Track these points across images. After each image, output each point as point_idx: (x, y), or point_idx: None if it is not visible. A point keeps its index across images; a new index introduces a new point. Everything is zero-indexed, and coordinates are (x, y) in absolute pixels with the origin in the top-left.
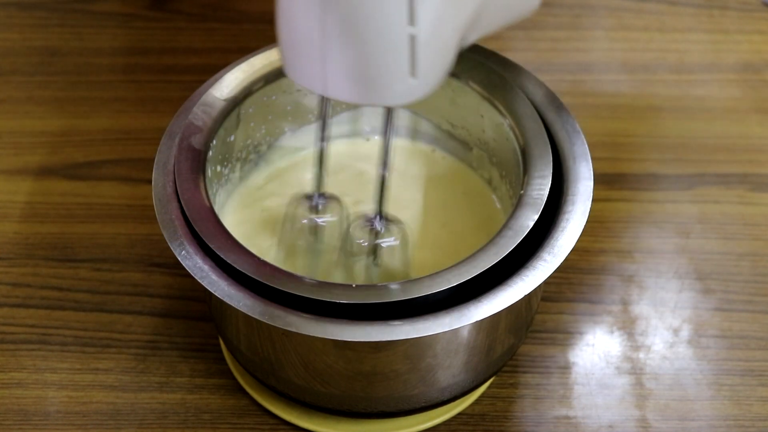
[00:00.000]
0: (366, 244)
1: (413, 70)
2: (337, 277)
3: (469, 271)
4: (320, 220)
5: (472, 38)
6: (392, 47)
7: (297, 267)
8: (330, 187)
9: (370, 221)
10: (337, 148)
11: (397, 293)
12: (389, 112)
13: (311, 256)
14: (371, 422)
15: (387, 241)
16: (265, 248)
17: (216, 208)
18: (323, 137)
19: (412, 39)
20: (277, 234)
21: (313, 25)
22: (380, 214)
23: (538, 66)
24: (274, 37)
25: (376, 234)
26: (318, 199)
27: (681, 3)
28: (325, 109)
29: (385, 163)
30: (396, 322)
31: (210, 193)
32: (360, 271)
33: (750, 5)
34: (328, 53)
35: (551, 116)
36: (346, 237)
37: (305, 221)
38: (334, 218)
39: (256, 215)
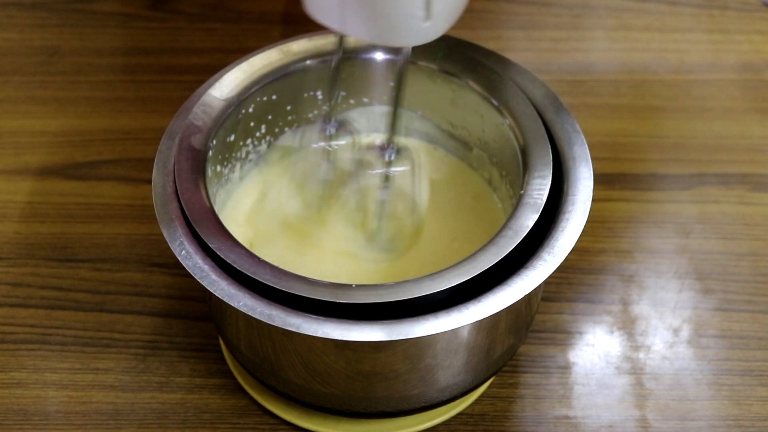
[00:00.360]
0: (375, 171)
1: (428, 12)
2: (349, 206)
3: (469, 270)
4: (332, 144)
5: None
6: None
7: (308, 197)
8: (334, 190)
9: (381, 149)
10: (335, 149)
11: (398, 293)
12: (407, 51)
13: (322, 185)
14: (371, 422)
15: (396, 168)
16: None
17: (216, 208)
18: (337, 63)
19: None
20: (290, 166)
21: None
22: (392, 142)
23: (538, 66)
24: (274, 38)
25: (388, 163)
26: (330, 124)
27: (681, 3)
28: (341, 48)
29: (397, 96)
30: (396, 322)
31: (210, 193)
32: (371, 199)
33: (750, 5)
34: None
35: (551, 116)
36: (357, 163)
37: (317, 145)
38: (345, 144)
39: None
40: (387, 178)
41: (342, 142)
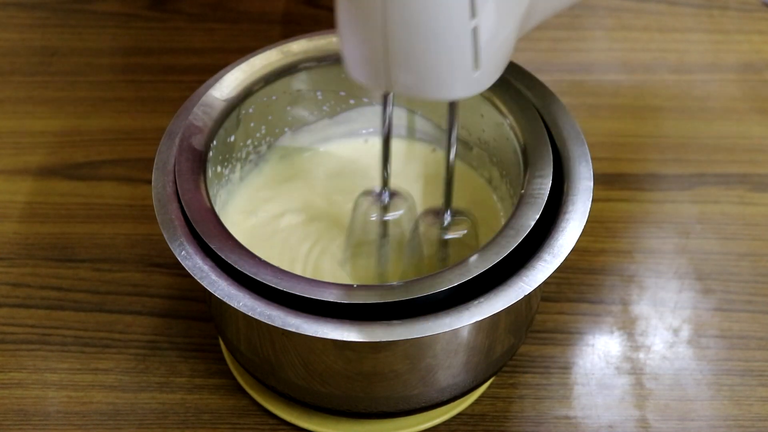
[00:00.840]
0: (434, 237)
1: (476, 63)
2: (407, 273)
3: (470, 271)
4: (388, 216)
5: (529, 26)
6: (455, 41)
7: (365, 265)
8: (338, 188)
9: (437, 215)
10: (334, 148)
11: (398, 293)
12: (453, 106)
13: (379, 253)
14: (371, 422)
15: (454, 234)
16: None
17: (217, 209)
18: (387, 134)
19: (474, 32)
20: (346, 232)
21: (375, 26)
22: (448, 208)
23: (538, 66)
24: (273, 37)
25: (444, 228)
26: (385, 195)
27: (681, 3)
28: (387, 104)
29: (449, 158)
30: (396, 323)
31: (210, 193)
32: (428, 266)
33: (750, 5)
34: (393, 52)
35: (551, 116)
36: (413, 232)
37: (374, 217)
38: (402, 214)
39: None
40: (446, 243)
41: (398, 213)
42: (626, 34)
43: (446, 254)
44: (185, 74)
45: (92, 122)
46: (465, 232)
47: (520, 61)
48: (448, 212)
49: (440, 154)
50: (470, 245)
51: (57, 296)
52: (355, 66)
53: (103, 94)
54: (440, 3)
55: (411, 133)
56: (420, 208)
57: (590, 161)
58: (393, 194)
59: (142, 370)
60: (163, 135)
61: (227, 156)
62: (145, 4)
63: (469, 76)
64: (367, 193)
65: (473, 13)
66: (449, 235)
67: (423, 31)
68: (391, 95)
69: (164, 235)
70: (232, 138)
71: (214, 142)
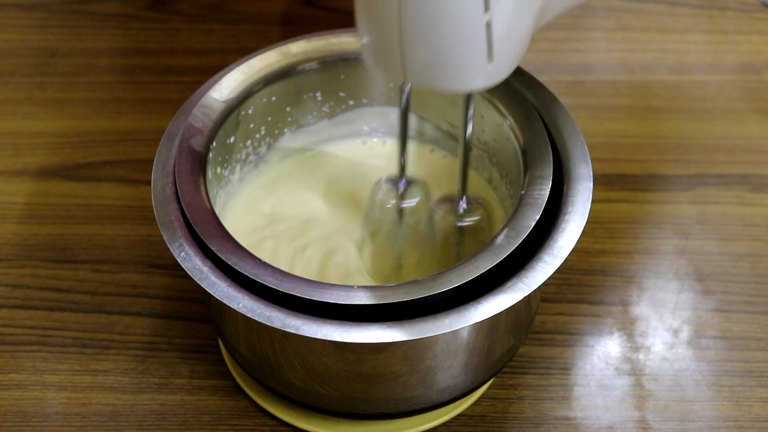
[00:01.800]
0: (449, 224)
1: (490, 56)
2: (423, 259)
3: (470, 272)
4: (404, 204)
5: (544, 21)
6: (469, 34)
7: (380, 251)
8: (337, 189)
9: (452, 203)
10: (332, 148)
11: (398, 294)
12: (468, 99)
13: (395, 237)
14: (371, 424)
15: (470, 221)
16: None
17: (216, 210)
18: (405, 124)
19: (488, 25)
20: (362, 217)
21: (391, 14)
22: (464, 195)
23: (538, 67)
24: (273, 38)
25: (460, 216)
26: (402, 183)
27: (680, 3)
28: (404, 93)
29: (465, 146)
30: (396, 324)
31: (210, 194)
32: (443, 252)
33: (749, 6)
34: (407, 42)
35: (551, 117)
36: (428, 219)
37: (390, 205)
38: (418, 202)
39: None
40: (462, 231)
41: (413, 201)
42: (626, 35)
43: (461, 240)
44: (185, 75)
45: (91, 123)
46: (478, 218)
47: (520, 62)
48: (463, 199)
49: (439, 154)
50: (484, 231)
51: (56, 297)
52: (371, 55)
53: (102, 95)
54: None
55: (410, 133)
56: (425, 207)
57: (590, 162)
58: (409, 182)
59: (141, 372)
60: (163, 136)
61: (227, 157)
62: (144, 5)
63: (483, 69)
64: (384, 180)
65: (487, 6)
66: (463, 222)
67: (437, 22)
68: (408, 85)
69: (164, 237)
70: (232, 139)
71: (214, 144)
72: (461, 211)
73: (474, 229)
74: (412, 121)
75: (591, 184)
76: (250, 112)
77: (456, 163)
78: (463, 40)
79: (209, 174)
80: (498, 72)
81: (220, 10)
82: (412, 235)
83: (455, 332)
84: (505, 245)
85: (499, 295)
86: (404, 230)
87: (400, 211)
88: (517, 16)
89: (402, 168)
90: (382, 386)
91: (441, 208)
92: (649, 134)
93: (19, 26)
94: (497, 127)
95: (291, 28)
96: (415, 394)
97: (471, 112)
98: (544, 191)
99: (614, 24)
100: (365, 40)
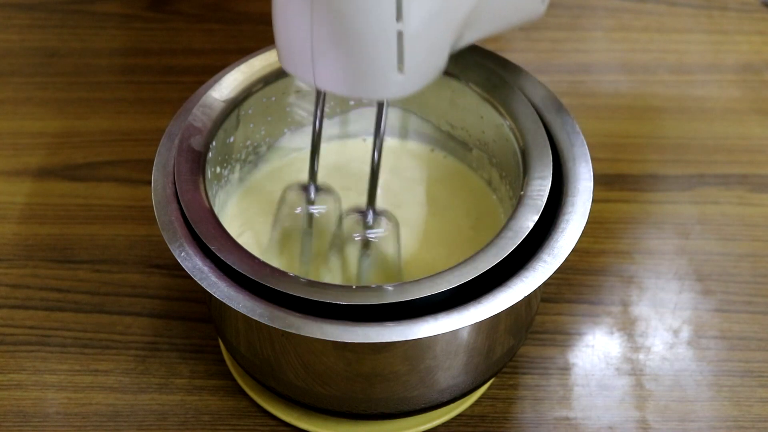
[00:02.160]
0: (357, 236)
1: (401, 66)
2: (331, 264)
3: (470, 272)
4: (314, 210)
5: (469, 39)
6: (379, 42)
7: (291, 251)
8: (336, 188)
9: (361, 214)
10: (331, 148)
11: (397, 295)
12: (381, 107)
13: (305, 241)
14: (371, 423)
15: (377, 233)
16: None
17: (216, 210)
18: (317, 127)
19: (400, 35)
20: (273, 217)
21: (303, 18)
22: (372, 207)
23: (538, 67)
24: (272, 38)
25: (367, 227)
26: (312, 189)
27: (680, 4)
28: (319, 100)
29: (375, 158)
30: (395, 324)
31: (210, 194)
32: (352, 262)
33: (749, 6)
34: (318, 46)
35: (551, 117)
36: (338, 228)
37: (299, 210)
38: (327, 209)
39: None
40: (368, 244)
41: (323, 207)
42: (626, 35)
43: (367, 253)
44: (185, 75)
45: (91, 123)
46: (383, 232)
47: (520, 62)
48: (371, 212)
49: (440, 154)
50: (391, 246)
51: (56, 297)
52: (284, 57)
53: (102, 95)
54: (365, 3)
55: (410, 134)
56: (425, 208)
57: (590, 162)
58: (320, 189)
59: (141, 372)
60: (163, 136)
61: (226, 157)
62: (144, 4)
63: (393, 79)
64: (293, 186)
65: (399, 15)
66: (370, 235)
67: (347, 28)
68: (322, 92)
69: (164, 237)
70: (232, 139)
71: (214, 143)
72: (370, 222)
73: (381, 241)
74: (413, 121)
75: (591, 185)
76: (250, 111)
77: (457, 164)
78: (374, 49)
79: (209, 174)
80: (410, 84)
81: (219, 10)
82: (318, 242)
83: (455, 332)
84: (504, 246)
85: (499, 295)
86: (312, 236)
87: (310, 217)
88: (432, 29)
89: (312, 175)
90: (382, 386)
91: (350, 219)
92: (649, 134)
93: (19, 26)
94: (497, 128)
95: None
96: (415, 394)
97: (384, 121)
98: (544, 192)
99: (614, 24)
100: (279, 39)
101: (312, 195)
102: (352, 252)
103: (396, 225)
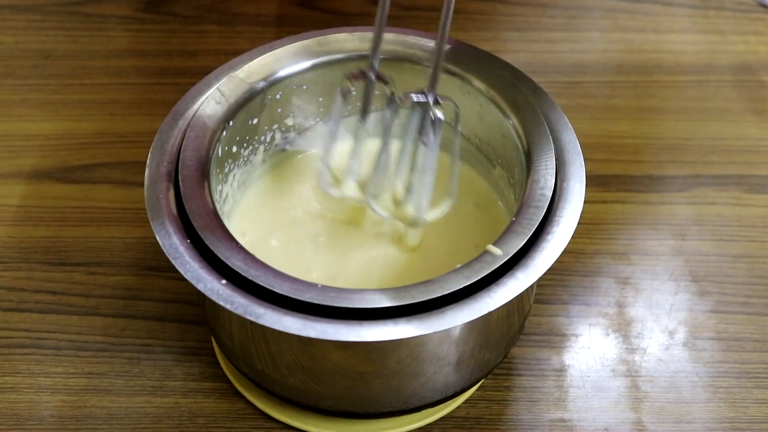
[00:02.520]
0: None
1: None
2: (382, 157)
3: (436, 290)
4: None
5: None
6: None
7: (341, 151)
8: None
9: (421, 96)
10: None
11: (399, 295)
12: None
13: (356, 139)
14: (366, 422)
15: (437, 115)
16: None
17: (229, 189)
18: (383, 11)
19: None
20: (330, 114)
21: None
22: (434, 92)
23: (534, 67)
24: (267, 40)
25: (427, 109)
26: (370, 75)
27: (676, 4)
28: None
29: (442, 36)
30: (394, 323)
31: (222, 171)
32: (403, 153)
33: (745, 6)
34: None
35: (546, 117)
36: (392, 114)
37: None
38: (384, 93)
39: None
40: (423, 125)
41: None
42: (622, 35)
43: (424, 138)
44: (180, 77)
45: (86, 125)
46: (443, 116)
47: (516, 63)
48: (432, 94)
49: (464, 168)
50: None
51: (51, 300)
52: None
53: (97, 97)
54: None
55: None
56: (428, 208)
57: (583, 163)
58: (379, 78)
59: (136, 374)
60: (168, 115)
61: (247, 137)
62: (139, 6)
63: None
64: (351, 76)
65: None
66: (435, 114)
67: None
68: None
69: (157, 239)
70: (255, 120)
71: (231, 123)
72: (431, 102)
73: (441, 125)
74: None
75: (584, 186)
76: (278, 96)
77: (472, 174)
78: None
79: (220, 152)
80: None
81: (214, 12)
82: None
83: (447, 331)
84: (479, 270)
85: (487, 297)
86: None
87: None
88: None
89: (374, 53)
90: (376, 384)
91: (410, 98)
92: (645, 135)
93: (13, 28)
94: (499, 127)
95: (286, 29)
96: (415, 394)
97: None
98: (534, 221)
99: (610, 24)
100: None
101: (370, 83)
102: (406, 141)
103: (457, 109)
